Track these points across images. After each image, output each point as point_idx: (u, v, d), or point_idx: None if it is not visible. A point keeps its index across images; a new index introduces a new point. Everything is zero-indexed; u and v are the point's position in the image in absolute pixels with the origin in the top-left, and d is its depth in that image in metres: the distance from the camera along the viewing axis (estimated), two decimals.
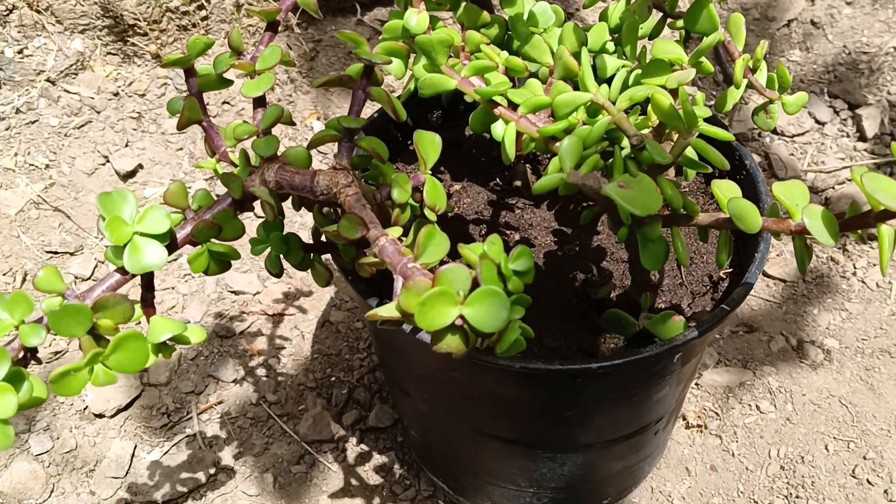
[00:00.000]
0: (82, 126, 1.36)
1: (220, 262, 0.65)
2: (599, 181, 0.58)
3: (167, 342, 0.64)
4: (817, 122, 1.40)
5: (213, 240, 0.64)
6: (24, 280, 1.24)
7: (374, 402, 1.15)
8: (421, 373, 0.88)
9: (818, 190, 1.34)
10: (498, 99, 0.66)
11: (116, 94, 1.37)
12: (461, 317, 0.54)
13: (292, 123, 0.70)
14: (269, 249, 0.77)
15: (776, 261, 1.27)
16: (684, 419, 1.11)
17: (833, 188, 1.33)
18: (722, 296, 0.85)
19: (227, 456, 1.10)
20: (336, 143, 0.66)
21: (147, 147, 1.37)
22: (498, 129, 0.71)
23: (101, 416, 1.14)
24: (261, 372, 1.19)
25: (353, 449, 1.11)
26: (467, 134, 1.03)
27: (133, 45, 1.37)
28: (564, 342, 0.83)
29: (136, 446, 1.11)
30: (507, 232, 0.94)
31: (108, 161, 1.34)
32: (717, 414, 1.11)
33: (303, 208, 0.74)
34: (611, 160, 0.63)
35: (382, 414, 1.14)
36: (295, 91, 1.45)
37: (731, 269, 0.89)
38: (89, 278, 1.26)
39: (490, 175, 1.00)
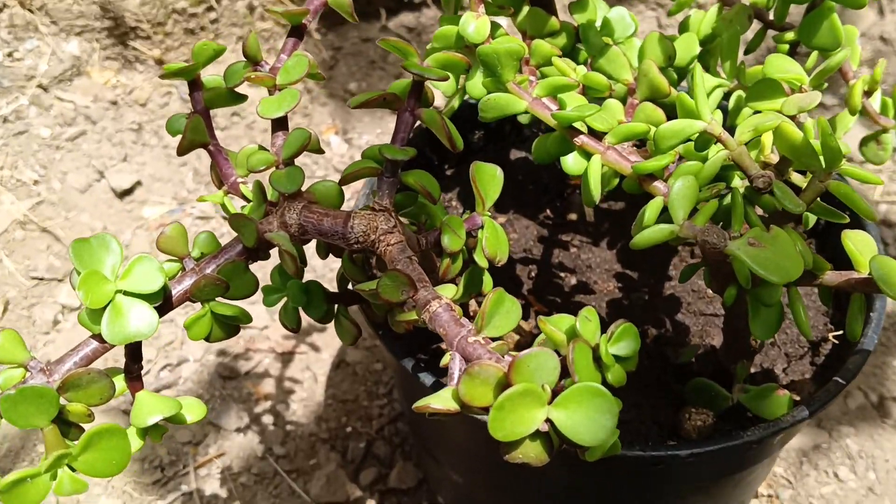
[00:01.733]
0: (76, 138, 1.22)
1: (227, 327, 0.51)
2: (723, 238, 0.44)
3: (158, 423, 0.50)
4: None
5: (217, 299, 0.50)
6: (5, 310, 1.10)
7: (395, 459, 1.02)
8: (458, 441, 0.74)
9: (892, 223, 1.20)
10: (579, 125, 0.52)
11: (115, 103, 1.24)
12: (548, 421, 0.40)
13: (320, 151, 0.56)
14: (284, 300, 0.64)
15: None
16: None
17: None
18: (825, 360, 0.72)
19: None
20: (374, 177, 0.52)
21: (147, 162, 1.24)
22: (570, 161, 0.58)
23: None
24: (267, 420, 1.06)
25: None
26: (512, 158, 0.90)
27: (134, 49, 1.24)
28: (636, 415, 0.69)
29: None
30: (562, 275, 0.80)
31: (103, 177, 1.21)
32: (789, 482, 0.97)
33: (330, 254, 0.61)
34: (725, 204, 0.50)
35: (405, 473, 1.00)
36: (311, 102, 1.32)
37: (831, 327, 0.75)
38: (79, 308, 1.13)
39: (539, 206, 0.86)
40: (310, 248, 0.59)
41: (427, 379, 0.65)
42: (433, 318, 0.47)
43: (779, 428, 0.61)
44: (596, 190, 0.52)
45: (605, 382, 0.44)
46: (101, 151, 1.22)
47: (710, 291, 0.77)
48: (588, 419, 0.39)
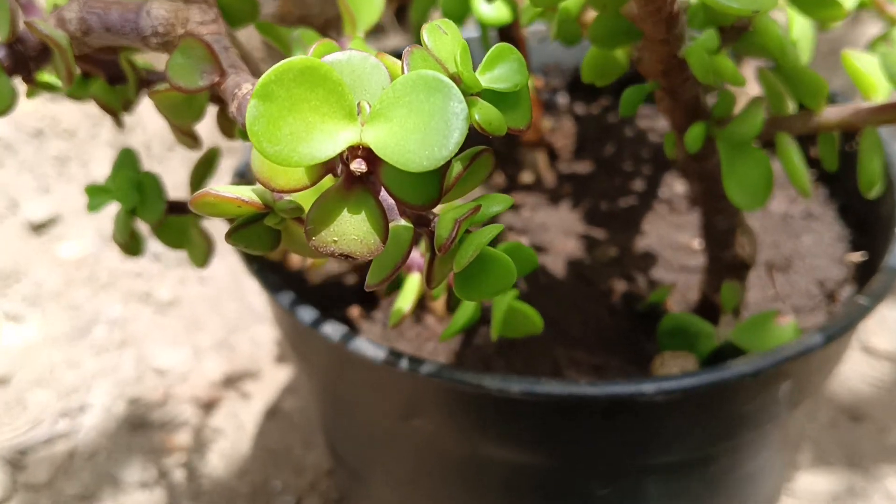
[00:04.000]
0: None
1: None
2: None
3: None
4: None
5: None
6: None
7: None
8: (372, 432, 0.56)
9: None
10: None
11: (40, 133, 1.12)
12: (364, 153, 0.24)
13: None
14: (116, 205, 0.48)
15: (880, 332, 0.95)
16: None
17: None
18: (847, 302, 0.54)
19: None
20: None
21: (70, 195, 1.10)
22: (481, 6, 0.43)
23: None
24: (178, 473, 0.87)
25: None
26: None
27: None
28: (599, 379, 0.52)
29: None
30: (509, 236, 0.64)
31: (18, 209, 1.07)
32: None
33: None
34: None
35: None
36: None
37: (857, 273, 0.58)
38: None
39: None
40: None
41: (307, 314, 0.48)
42: (242, 105, 0.31)
43: (782, 356, 0.44)
44: None
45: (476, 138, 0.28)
46: (19, 182, 1.09)
47: (695, 244, 0.61)
48: (421, 126, 0.23)
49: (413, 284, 0.42)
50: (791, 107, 0.42)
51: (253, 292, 1.05)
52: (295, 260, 0.64)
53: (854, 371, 0.91)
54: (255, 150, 0.27)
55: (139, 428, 0.91)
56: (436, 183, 0.25)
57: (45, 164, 1.11)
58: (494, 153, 0.76)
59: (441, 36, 0.27)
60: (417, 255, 0.42)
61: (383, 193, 0.28)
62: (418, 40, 0.53)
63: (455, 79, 0.27)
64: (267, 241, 0.30)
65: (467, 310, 0.41)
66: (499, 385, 0.43)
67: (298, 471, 0.87)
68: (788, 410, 0.50)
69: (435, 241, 0.27)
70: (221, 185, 0.31)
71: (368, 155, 0.24)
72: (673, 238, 0.62)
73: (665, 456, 0.47)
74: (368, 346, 0.46)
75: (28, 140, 1.12)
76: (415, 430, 0.50)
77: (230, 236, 0.30)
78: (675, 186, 0.67)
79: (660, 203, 0.66)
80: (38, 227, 1.07)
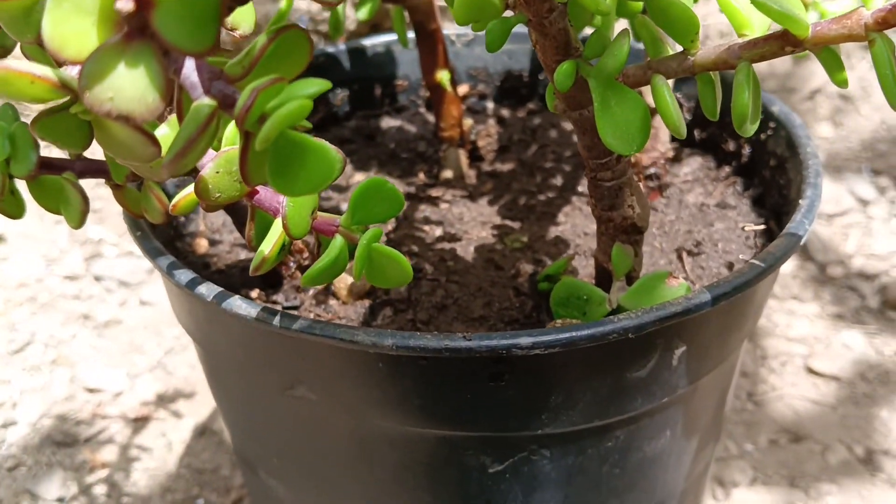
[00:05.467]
0: None
1: None
2: None
3: None
4: (860, 200, 1.11)
5: None
6: None
7: None
8: (256, 411, 0.54)
9: (870, 276, 1.02)
10: None
11: None
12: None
13: None
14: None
15: (824, 354, 0.93)
16: None
17: (888, 274, 1.02)
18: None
19: None
20: None
21: None
22: None
23: None
24: (99, 490, 0.84)
25: None
26: (384, 127, 0.75)
27: None
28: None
29: None
30: (425, 228, 0.63)
31: None
32: None
33: None
34: None
35: None
36: None
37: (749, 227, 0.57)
38: None
39: (412, 171, 0.71)
40: None
41: (184, 276, 0.47)
42: None
43: (666, 313, 0.42)
44: None
45: None
46: None
47: None
48: None
49: (277, 228, 0.40)
50: (666, 48, 0.41)
51: None
52: (202, 246, 0.62)
53: (797, 391, 0.89)
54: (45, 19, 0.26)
55: (64, 445, 0.88)
56: (211, 28, 0.24)
57: None
58: (416, 153, 0.75)
59: None
60: (282, 198, 0.41)
61: (185, 70, 0.27)
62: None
63: None
64: (76, 136, 0.29)
65: (333, 250, 0.40)
66: (372, 339, 0.42)
67: (224, 490, 0.84)
68: (687, 384, 0.48)
69: (234, 111, 0.26)
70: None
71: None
72: (587, 227, 0.61)
73: (555, 424, 0.45)
74: (241, 304, 0.44)
75: None
76: (299, 400, 0.48)
77: (34, 125, 0.29)
78: None
79: (578, 197, 0.65)
80: None
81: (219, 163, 0.39)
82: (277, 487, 0.57)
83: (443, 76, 0.67)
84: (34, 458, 0.87)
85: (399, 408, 0.46)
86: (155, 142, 0.30)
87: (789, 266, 1.05)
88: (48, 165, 0.47)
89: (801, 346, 0.94)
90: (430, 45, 0.67)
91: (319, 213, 0.41)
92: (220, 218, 0.65)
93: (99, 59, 0.24)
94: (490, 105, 0.77)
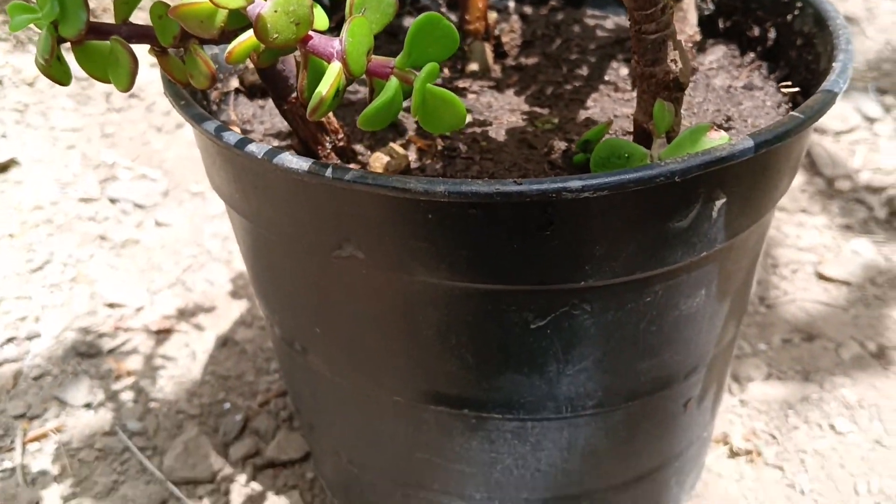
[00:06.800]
0: None
1: None
2: None
3: None
4: (866, 118, 1.13)
5: None
6: None
7: (278, 432, 0.81)
8: (295, 277, 0.55)
9: (877, 189, 1.04)
10: None
11: (0, 82, 1.12)
12: None
13: None
14: (38, 28, 0.48)
15: (834, 261, 0.95)
16: (727, 443, 0.75)
17: (895, 187, 1.03)
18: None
19: (51, 497, 0.75)
20: None
21: (28, 142, 1.10)
22: None
23: None
24: (126, 396, 0.85)
25: (239, 490, 0.76)
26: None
27: (27, 28, 1.13)
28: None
29: None
30: None
31: None
32: (773, 437, 0.76)
33: None
34: None
35: (287, 443, 0.79)
36: None
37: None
38: None
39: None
40: None
41: (232, 137, 0.48)
42: None
43: (711, 158, 0.43)
44: None
45: None
46: None
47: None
48: None
49: (334, 70, 0.41)
50: None
51: (210, 236, 1.04)
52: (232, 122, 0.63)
53: (808, 295, 0.91)
54: None
55: (88, 356, 0.89)
56: None
57: (4, 112, 1.10)
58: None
59: None
60: (336, 43, 0.42)
61: None
62: None
63: None
64: None
65: (388, 91, 0.41)
66: (424, 186, 0.43)
67: (249, 394, 0.85)
68: (725, 239, 0.49)
69: None
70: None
71: None
72: (616, 110, 0.62)
73: (598, 276, 0.47)
74: (292, 159, 0.45)
75: None
76: (345, 263, 0.49)
77: None
78: (621, 70, 0.67)
79: (605, 85, 0.66)
80: None
81: (277, 1, 0.39)
82: (318, 361, 0.59)
83: None
84: (60, 368, 0.88)
85: (446, 261, 0.47)
86: None
87: (798, 180, 1.07)
88: (95, 30, 0.47)
89: (811, 255, 0.96)
90: None
91: (374, 56, 0.42)
92: (250, 109, 0.66)
93: None
94: (512, 3, 0.77)
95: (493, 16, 0.72)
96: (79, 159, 1.10)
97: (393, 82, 0.41)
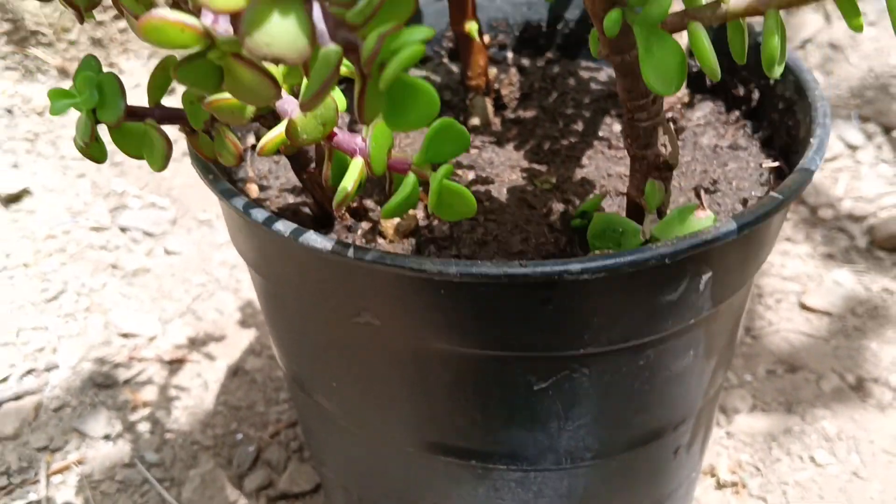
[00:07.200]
0: None
1: None
2: None
3: None
4: (848, 146, 1.17)
5: None
6: None
7: (290, 464, 0.85)
8: (320, 338, 0.59)
9: (858, 218, 1.08)
10: None
11: (10, 112, 1.15)
12: None
13: None
14: (78, 111, 0.51)
15: (816, 291, 0.99)
16: (713, 475, 0.80)
17: (875, 215, 1.08)
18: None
19: None
20: None
21: (39, 171, 1.13)
22: None
23: None
24: (143, 427, 0.89)
25: None
26: None
27: (36, 58, 1.16)
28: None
29: None
30: (459, 172, 0.68)
31: None
32: (757, 469, 0.80)
33: None
34: None
35: (299, 475, 0.83)
36: None
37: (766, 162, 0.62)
38: None
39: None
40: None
41: (260, 214, 0.52)
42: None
43: (698, 241, 0.47)
44: None
45: None
46: None
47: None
48: None
49: (357, 167, 0.45)
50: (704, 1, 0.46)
51: (219, 264, 1.08)
52: (253, 191, 0.67)
53: (792, 325, 0.95)
54: None
55: (105, 386, 0.93)
56: None
57: (15, 142, 1.14)
58: (443, 101, 0.80)
59: None
60: (359, 140, 0.46)
61: (315, 11, 0.31)
62: None
63: None
64: (211, 79, 0.34)
65: (406, 187, 0.45)
66: (439, 268, 0.47)
67: (261, 425, 0.89)
68: (712, 306, 0.53)
69: (361, 56, 0.31)
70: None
71: None
72: (610, 168, 0.66)
73: (596, 344, 0.51)
74: (316, 238, 0.49)
75: None
76: (362, 327, 0.53)
77: (177, 70, 0.33)
78: (615, 126, 0.71)
79: (599, 141, 0.70)
80: (8, 201, 1.10)
81: None
82: (333, 409, 0.63)
83: (471, 27, 0.72)
84: (78, 399, 0.92)
85: (456, 331, 0.51)
86: (276, 84, 0.34)
87: None
88: (130, 114, 0.51)
89: (794, 284, 1.01)
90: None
91: (393, 153, 0.46)
92: (266, 165, 0.70)
93: (256, 9, 0.29)
94: (510, 54, 0.81)
95: (493, 71, 0.76)
96: (89, 188, 1.14)
97: (411, 178, 0.45)
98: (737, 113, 0.70)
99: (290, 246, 0.51)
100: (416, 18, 0.79)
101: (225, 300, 1.04)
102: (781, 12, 0.45)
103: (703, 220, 0.50)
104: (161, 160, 0.51)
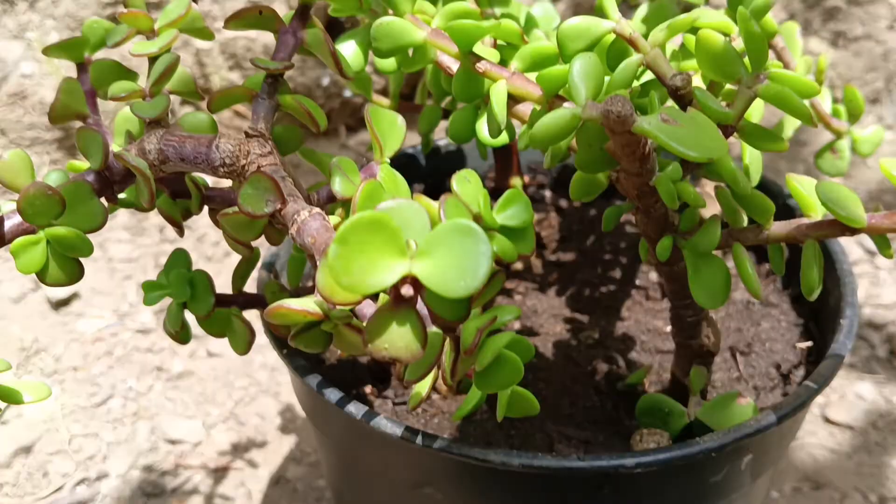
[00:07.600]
0: None
1: (65, 262, 0.44)
2: (629, 107, 0.38)
3: None
4: (867, 251, 1.21)
5: (53, 221, 0.43)
6: None
7: None
8: (385, 499, 0.63)
9: (878, 326, 1.12)
10: (481, 51, 0.47)
11: None
12: (412, 281, 0.32)
13: (198, 97, 0.50)
14: (168, 300, 0.56)
15: (839, 404, 1.03)
16: None
17: (894, 323, 1.12)
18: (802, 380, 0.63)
19: None
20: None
21: (88, 274, 1.17)
22: (484, 130, 0.52)
23: None
24: None
25: None
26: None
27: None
28: (585, 452, 0.59)
29: None
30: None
31: (40, 287, 1.14)
32: None
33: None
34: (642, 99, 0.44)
35: None
36: None
37: (808, 357, 0.66)
38: None
39: None
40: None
41: (333, 395, 0.56)
42: (301, 229, 0.39)
43: (741, 434, 0.51)
44: (501, 114, 0.46)
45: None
46: None
47: (668, 329, 0.69)
48: (455, 261, 0.31)
49: (432, 376, 0.49)
50: (744, 220, 0.50)
51: (259, 367, 1.12)
52: None
53: (816, 441, 0.99)
54: (324, 275, 0.35)
55: (153, 496, 0.97)
56: (466, 304, 0.33)
57: None
58: None
59: (466, 184, 0.35)
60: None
61: (420, 306, 0.36)
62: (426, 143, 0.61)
63: (477, 218, 0.35)
64: (322, 342, 0.38)
65: (476, 394, 0.49)
66: (502, 459, 0.51)
67: None
68: (751, 481, 0.57)
69: (461, 345, 0.35)
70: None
71: (414, 282, 0.32)
72: (649, 323, 0.70)
73: None
74: (387, 424, 0.53)
75: None
76: (425, 497, 0.57)
77: (293, 339, 0.38)
78: (651, 275, 0.76)
79: (637, 290, 0.74)
80: (58, 305, 1.14)
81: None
82: None
83: (516, 182, 0.76)
84: None
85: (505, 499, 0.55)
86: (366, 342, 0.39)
87: None
88: (220, 302, 0.55)
89: (818, 397, 1.04)
90: (506, 155, 0.76)
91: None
92: None
93: (377, 319, 0.33)
94: (548, 194, 0.85)
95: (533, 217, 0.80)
96: (135, 290, 1.18)
97: (476, 394, 0.49)
98: (767, 265, 0.75)
99: (361, 426, 0.55)
100: (460, 163, 0.84)
101: (266, 404, 1.08)
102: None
103: (745, 408, 0.54)
104: (244, 345, 0.56)
